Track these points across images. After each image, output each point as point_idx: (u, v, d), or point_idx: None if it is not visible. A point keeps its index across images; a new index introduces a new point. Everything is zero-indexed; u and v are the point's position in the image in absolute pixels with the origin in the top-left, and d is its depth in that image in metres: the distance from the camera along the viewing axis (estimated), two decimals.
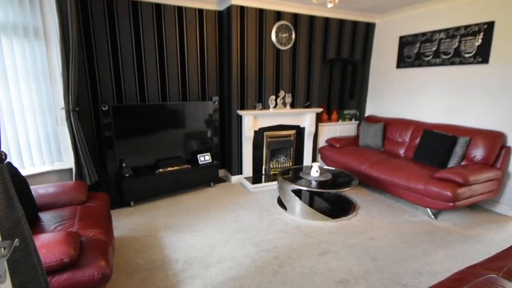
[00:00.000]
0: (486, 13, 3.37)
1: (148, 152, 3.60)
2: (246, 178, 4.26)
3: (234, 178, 4.29)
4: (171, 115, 3.71)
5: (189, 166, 3.78)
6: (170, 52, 3.80)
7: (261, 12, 3.96)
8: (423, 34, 4.14)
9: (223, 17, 4.00)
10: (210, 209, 3.35)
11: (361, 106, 5.25)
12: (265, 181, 4.16)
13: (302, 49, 4.38)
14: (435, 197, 3.04)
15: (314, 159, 4.85)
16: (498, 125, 3.35)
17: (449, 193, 2.91)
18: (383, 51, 4.80)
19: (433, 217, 3.21)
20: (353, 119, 5.23)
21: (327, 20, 4.49)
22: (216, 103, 4.01)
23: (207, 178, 3.99)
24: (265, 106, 4.31)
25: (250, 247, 2.56)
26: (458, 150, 3.44)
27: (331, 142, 4.77)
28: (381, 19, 4.77)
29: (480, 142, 3.34)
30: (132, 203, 3.40)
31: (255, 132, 4.23)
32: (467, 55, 3.62)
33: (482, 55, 3.45)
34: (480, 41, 3.46)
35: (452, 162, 3.47)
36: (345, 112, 5.19)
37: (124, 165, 3.32)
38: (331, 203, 3.59)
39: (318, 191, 3.35)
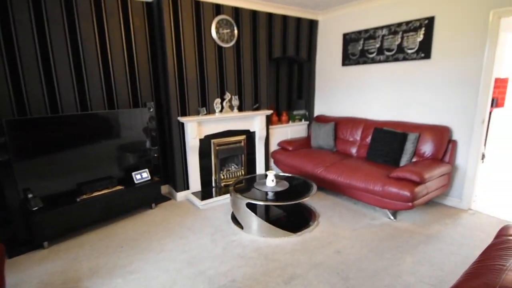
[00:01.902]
0: (427, 8, 3.39)
1: (66, 175, 2.88)
2: (194, 193, 3.75)
3: (180, 195, 3.75)
4: (95, 127, 3.04)
5: (123, 187, 3.15)
6: (87, 51, 3.12)
7: (197, 4, 3.50)
8: (366, 31, 4.09)
9: (153, 9, 3.44)
10: (152, 238, 2.79)
11: (310, 105, 5.10)
12: (216, 195, 3.71)
13: (246, 47, 4.03)
14: (393, 198, 2.93)
15: (267, 165, 4.55)
16: (444, 119, 3.40)
17: (407, 193, 2.82)
18: (328, 48, 4.69)
19: (392, 218, 3.12)
20: (303, 120, 5.06)
21: (270, 15, 4.21)
22: (151, 110, 3.43)
23: (147, 199, 3.39)
24: (210, 111, 3.86)
25: (203, 286, 2.11)
26: (409, 146, 3.41)
27: (283, 145, 4.51)
28: (324, 16, 4.66)
29: (428, 138, 3.35)
30: (45, 243, 2.66)
31: (201, 140, 3.75)
32: (410, 51, 3.63)
33: (424, 51, 3.47)
34: (421, 36, 3.48)
35: (404, 159, 3.44)
36: (295, 112, 4.99)
37: (30, 195, 2.57)
38: (290, 212, 3.30)
39: (276, 204, 3.03)
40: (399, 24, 3.68)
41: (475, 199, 3.37)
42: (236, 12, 3.84)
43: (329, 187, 3.63)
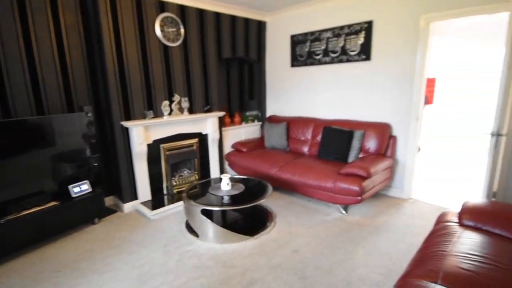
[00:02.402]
0: (365, 13, 3.60)
1: None
2: (143, 203, 3.50)
3: (128, 206, 3.48)
4: (23, 136, 2.65)
5: (58, 203, 2.80)
6: (8, 51, 2.71)
7: (138, 0, 3.27)
8: (312, 33, 4.22)
9: (87, 4, 3.13)
10: (95, 257, 2.52)
11: (262, 106, 5.12)
12: (169, 203, 3.51)
13: (194, 46, 3.88)
14: (344, 193, 3.05)
15: (222, 168, 4.44)
16: (384, 117, 3.64)
17: (356, 188, 2.96)
18: (277, 50, 4.76)
19: (344, 212, 3.25)
20: (256, 120, 5.06)
21: (218, 15, 4.12)
22: (89, 115, 3.12)
23: (88, 214, 3.06)
24: (158, 114, 3.64)
25: None
26: (356, 143, 3.60)
27: (237, 146, 4.46)
28: (271, 17, 4.70)
29: (372, 134, 3.56)
30: None
31: (149, 145, 3.52)
32: (352, 53, 3.82)
33: (365, 53, 3.69)
34: (362, 39, 3.69)
35: (352, 155, 3.61)
36: (248, 113, 4.97)
37: None
38: (247, 215, 3.25)
39: (232, 209, 2.96)
40: (342, 27, 3.86)
41: (414, 189, 3.67)
42: (182, 10, 3.68)
43: (284, 187, 3.66)
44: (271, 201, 3.62)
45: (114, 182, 3.59)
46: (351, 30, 3.77)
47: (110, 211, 3.44)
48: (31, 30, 2.83)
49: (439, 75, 5.47)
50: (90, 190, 3.06)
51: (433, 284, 1.40)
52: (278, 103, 4.94)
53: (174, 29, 3.63)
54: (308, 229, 2.91)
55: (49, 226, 2.71)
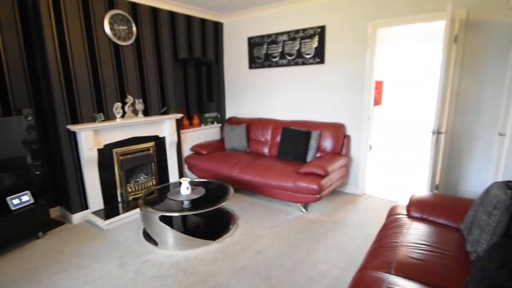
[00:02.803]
0: (318, 18, 3.75)
1: None
2: (94, 213, 3.26)
3: (77, 217, 3.21)
4: None
5: None
6: None
7: None
8: (269, 35, 4.28)
9: None
10: (40, 276, 2.28)
11: (221, 108, 5.07)
12: (124, 211, 3.30)
13: (148, 45, 3.72)
14: (304, 192, 3.13)
15: (181, 172, 4.31)
16: (339, 117, 3.82)
17: (315, 186, 3.05)
18: (235, 51, 4.75)
19: (304, 210, 3.33)
20: (215, 122, 4.99)
21: (172, 14, 3.99)
22: (29, 118, 2.82)
23: (31, 228, 2.76)
24: (110, 117, 3.42)
25: None
26: (313, 143, 3.72)
27: (197, 149, 4.35)
28: (228, 19, 4.68)
29: (328, 134, 3.71)
30: None
31: (100, 150, 3.29)
32: (307, 56, 3.95)
33: (319, 56, 3.83)
34: (316, 43, 3.83)
35: (310, 155, 3.72)
36: (207, 115, 4.88)
37: None
38: (209, 219, 3.18)
39: (193, 213, 2.87)
40: (297, 31, 3.97)
41: (367, 185, 3.90)
42: (133, 7, 3.51)
43: (246, 188, 3.66)
44: (233, 203, 3.60)
45: (60, 192, 3.29)
46: (305, 34, 3.90)
47: (57, 223, 3.15)
48: None
49: (387, 78, 5.90)
50: (32, 201, 2.77)
51: (387, 275, 1.49)
52: (237, 104, 4.94)
53: (125, 27, 3.44)
54: (271, 229, 2.94)
55: None
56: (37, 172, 2.91)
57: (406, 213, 2.17)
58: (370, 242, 2.60)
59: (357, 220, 3.09)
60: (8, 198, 2.63)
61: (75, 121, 3.12)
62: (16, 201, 2.67)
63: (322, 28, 3.73)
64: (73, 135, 3.10)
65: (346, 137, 3.74)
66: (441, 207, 2.09)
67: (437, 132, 2.75)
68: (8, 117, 2.78)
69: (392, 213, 2.25)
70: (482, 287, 0.88)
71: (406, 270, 1.51)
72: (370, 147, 3.76)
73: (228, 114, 5.09)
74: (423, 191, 2.53)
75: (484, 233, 1.53)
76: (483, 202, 1.62)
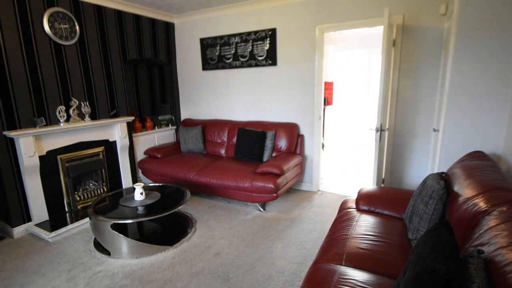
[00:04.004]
0: (269, 21, 3.85)
1: None
2: (38, 225, 3.00)
3: (19, 230, 2.93)
4: None
5: None
6: None
7: None
8: (221, 37, 4.30)
9: None
10: None
11: (175, 110, 4.96)
12: (72, 221, 3.09)
13: (94, 45, 3.52)
14: (261, 192, 3.21)
15: (134, 177, 4.13)
16: (292, 117, 3.96)
17: (271, 185, 3.14)
18: (187, 52, 4.68)
19: (262, 209, 3.41)
20: (170, 125, 4.87)
21: (120, 13, 3.82)
22: None
23: None
24: (52, 121, 3.18)
25: None
26: (268, 143, 3.81)
27: (151, 153, 4.21)
28: (179, 19, 4.60)
29: (283, 134, 3.84)
30: None
31: (42, 157, 3.04)
32: (260, 58, 4.04)
33: (271, 58, 3.94)
34: (268, 45, 3.93)
35: (266, 155, 3.81)
36: (160, 117, 4.74)
37: None
38: (166, 223, 3.11)
39: (148, 219, 2.78)
40: (249, 33, 4.04)
41: (321, 181, 4.10)
42: (76, 5, 3.30)
43: (204, 191, 3.64)
44: (191, 206, 3.55)
45: None
46: (257, 36, 3.98)
47: None
48: None
49: (337, 79, 6.24)
50: None
51: (339, 266, 1.59)
52: (192, 106, 4.87)
53: (67, 26, 3.22)
54: (229, 230, 2.96)
55: None
56: None
57: (355, 207, 2.33)
58: (324, 236, 2.74)
59: (312, 216, 3.23)
60: None
61: (13, 127, 2.85)
62: None
63: (273, 30, 3.84)
64: (10, 142, 2.83)
65: (300, 137, 3.89)
66: (386, 200, 2.27)
67: (381, 130, 2.98)
68: None
69: (343, 207, 2.40)
70: (417, 270, 0.99)
71: (356, 260, 1.62)
72: (323, 146, 3.95)
73: (183, 116, 5.00)
74: (370, 185, 2.73)
75: (422, 221, 1.71)
76: (421, 192, 1.80)
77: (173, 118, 4.95)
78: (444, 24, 2.95)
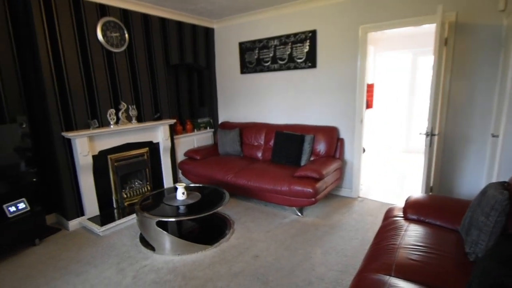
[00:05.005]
0: (309, 22, 3.81)
1: None
2: (91, 219, 3.23)
3: (73, 223, 3.18)
4: None
5: None
6: None
7: (76, 3, 3.05)
8: (260, 40, 4.33)
9: (18, 5, 2.82)
10: (38, 283, 2.26)
11: (213, 113, 5.09)
12: (120, 217, 3.28)
13: (141, 52, 3.73)
14: (299, 196, 3.17)
15: (175, 177, 4.30)
16: (332, 121, 3.88)
17: (310, 190, 3.09)
18: (226, 57, 4.78)
19: (299, 214, 3.36)
20: (208, 127, 5.01)
21: (164, 20, 4.01)
22: (24, 126, 2.80)
23: (28, 235, 2.74)
24: (104, 123, 3.41)
25: None
26: (307, 147, 3.76)
27: (190, 154, 4.36)
28: (219, 24, 4.72)
29: (322, 138, 3.77)
30: None
31: (94, 157, 3.27)
32: (299, 61, 4.01)
33: (311, 60, 3.89)
34: (307, 47, 3.89)
35: (304, 159, 3.77)
36: (199, 120, 4.90)
37: None
38: (204, 224, 3.19)
39: (190, 218, 2.87)
40: (288, 36, 4.03)
41: (361, 187, 3.95)
42: (125, 14, 3.52)
43: (240, 193, 3.68)
44: (228, 208, 3.61)
45: (55, 199, 3.26)
46: (296, 39, 3.96)
47: (53, 230, 3.12)
48: None
49: (378, 81, 6.01)
50: (28, 208, 2.75)
51: (388, 277, 1.52)
52: (230, 109, 4.96)
53: (117, 34, 3.45)
54: (267, 233, 2.96)
55: None
56: (34, 179, 2.88)
57: (402, 215, 2.20)
58: (367, 245, 2.64)
59: (352, 222, 3.13)
60: (4, 206, 2.60)
61: (70, 128, 3.10)
62: (12, 209, 2.64)
63: (313, 32, 3.79)
64: (67, 142, 3.08)
65: (340, 140, 3.79)
66: (437, 209, 2.12)
67: (431, 134, 2.81)
68: (2, 125, 2.76)
69: (388, 215, 2.29)
70: (486, 285, 0.91)
71: (406, 272, 1.53)
72: (364, 150, 3.82)
73: (221, 119, 5.11)
74: (418, 193, 2.58)
75: (482, 234, 1.57)
76: (480, 203, 1.66)
77: (211, 120, 5.08)
78: (503, 20, 2.72)
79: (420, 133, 3.11)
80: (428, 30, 4.55)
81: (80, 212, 3.25)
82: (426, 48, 5.11)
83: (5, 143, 2.67)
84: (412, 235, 1.87)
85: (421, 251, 1.68)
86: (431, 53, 2.75)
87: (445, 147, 3.20)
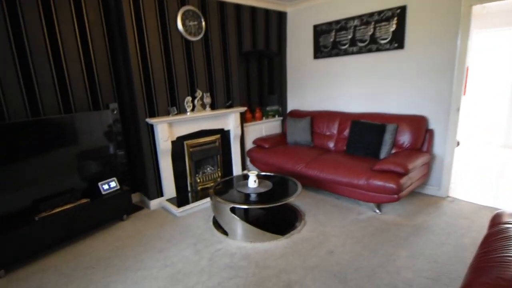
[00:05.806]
0: None
1: (17, 190, 2.46)
2: (169, 200, 3.46)
3: (154, 203, 3.44)
4: (52, 133, 2.62)
5: (89, 200, 2.78)
6: (34, 48, 2.68)
7: None
8: (337, 22, 4.03)
9: (110, 1, 3.07)
10: (127, 254, 2.49)
11: (282, 101, 4.98)
12: (193, 200, 3.44)
13: (215, 40, 3.78)
14: (379, 191, 2.89)
15: (243, 165, 4.35)
16: (419, 109, 3.43)
17: (393, 186, 2.78)
18: (298, 41, 4.59)
19: (377, 211, 3.08)
20: (277, 115, 4.93)
21: (238, 6, 4.00)
22: (115, 112, 3.08)
23: (117, 211, 3.05)
24: (181, 110, 3.57)
25: None
26: (388, 138, 3.40)
27: (259, 143, 4.34)
28: (292, 8, 4.53)
29: (406, 128, 3.36)
30: (1, 272, 2.26)
31: (173, 142, 3.46)
32: (383, 41, 3.62)
33: (398, 41, 3.47)
34: (394, 26, 3.47)
35: (384, 151, 3.42)
36: (268, 108, 4.84)
37: None
38: (273, 213, 3.15)
39: (264, 207, 2.85)
40: (371, 14, 3.65)
41: (451, 186, 3.45)
42: (203, 3, 3.58)
43: (310, 184, 3.53)
44: (297, 198, 3.50)
45: (139, 179, 3.57)
46: (381, 17, 3.56)
47: (137, 208, 3.42)
48: (56, 28, 2.79)
49: (476, 64, 5.15)
50: (118, 187, 3.04)
51: None
52: (299, 97, 4.79)
53: (195, 23, 3.53)
54: (342, 228, 2.78)
55: (81, 223, 2.72)
56: (122, 161, 3.18)
57: None
58: (463, 253, 2.28)
59: (442, 225, 2.74)
60: (99, 183, 2.92)
61: (152, 115, 3.32)
62: (106, 186, 2.95)
63: (403, 8, 3.35)
64: (150, 128, 3.31)
65: (428, 132, 3.34)
66: None
67: None
68: (98, 111, 3.08)
69: (497, 221, 1.91)
70: None
71: None
72: (458, 143, 3.30)
73: (290, 107, 4.97)
74: None
75: None
76: None
77: (280, 109, 4.99)
78: None
79: None
80: None
81: (160, 193, 3.49)
82: None
83: (97, 127, 2.97)
84: None
85: None
86: None
87: None
